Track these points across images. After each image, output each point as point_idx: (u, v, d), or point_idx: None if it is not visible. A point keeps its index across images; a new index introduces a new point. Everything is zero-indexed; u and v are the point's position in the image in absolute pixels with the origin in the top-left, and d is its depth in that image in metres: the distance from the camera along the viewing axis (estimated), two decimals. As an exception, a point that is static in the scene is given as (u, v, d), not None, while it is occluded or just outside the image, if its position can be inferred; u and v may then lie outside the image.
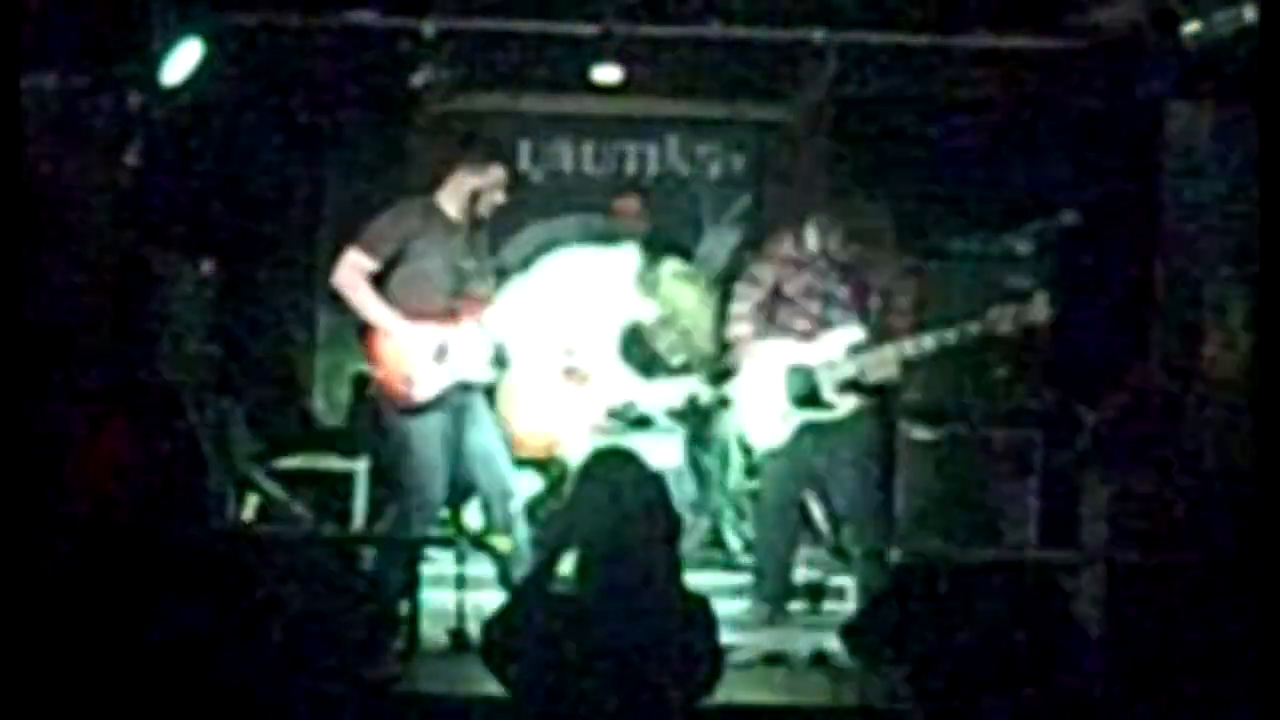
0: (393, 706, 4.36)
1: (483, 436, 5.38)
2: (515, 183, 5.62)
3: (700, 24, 6.52)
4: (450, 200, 5.37)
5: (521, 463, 5.91)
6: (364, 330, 5.35)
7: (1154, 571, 4.65)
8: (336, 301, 5.49)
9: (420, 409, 5.22)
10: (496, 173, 5.39)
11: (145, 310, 5.96)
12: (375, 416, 5.57)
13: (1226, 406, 5.69)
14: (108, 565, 4.33)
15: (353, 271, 5.27)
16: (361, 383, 6.31)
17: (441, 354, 5.24)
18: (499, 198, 5.42)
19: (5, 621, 3.65)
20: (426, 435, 5.23)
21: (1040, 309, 5.31)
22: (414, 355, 5.22)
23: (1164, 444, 5.75)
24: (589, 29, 6.45)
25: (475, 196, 5.36)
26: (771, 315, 5.64)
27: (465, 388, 5.33)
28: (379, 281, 5.28)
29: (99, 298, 5.54)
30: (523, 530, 5.39)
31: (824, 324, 5.55)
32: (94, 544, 4.45)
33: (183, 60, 5.73)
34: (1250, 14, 5.12)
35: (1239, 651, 4.00)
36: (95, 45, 5.39)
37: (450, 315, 5.30)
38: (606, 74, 6.61)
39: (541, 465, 6.23)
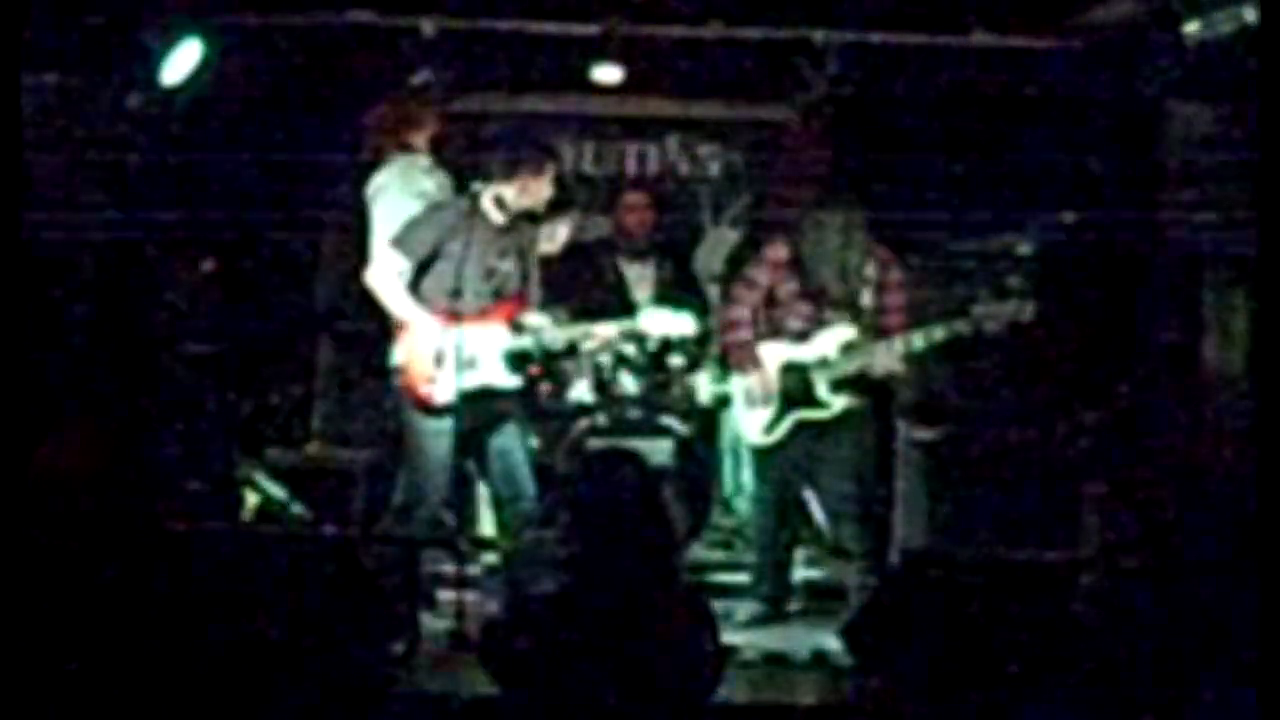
0: (393, 706, 4.36)
1: (504, 440, 5.33)
2: (556, 199, 5.55)
3: (700, 24, 6.52)
4: (491, 201, 5.32)
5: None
6: (394, 327, 5.32)
7: (1154, 571, 4.65)
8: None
9: (438, 410, 5.18)
10: (535, 189, 5.31)
11: (145, 310, 5.95)
12: (395, 412, 5.52)
13: (1226, 406, 5.69)
14: (105, 565, 4.32)
15: (386, 269, 5.27)
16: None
17: (467, 357, 5.14)
18: (538, 209, 5.40)
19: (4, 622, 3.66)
20: (440, 436, 5.18)
21: (1024, 307, 5.33)
22: (438, 356, 5.14)
23: (1164, 444, 5.75)
24: (589, 29, 6.45)
25: (514, 202, 5.32)
26: (767, 318, 5.68)
27: (492, 391, 5.27)
28: (415, 277, 5.26)
29: (98, 298, 5.54)
30: (529, 532, 5.36)
31: (818, 324, 5.58)
32: (91, 544, 4.45)
33: (183, 60, 5.73)
34: (1250, 14, 5.13)
35: (1239, 652, 4.00)
36: (95, 45, 5.39)
37: (482, 316, 5.23)
38: (606, 74, 6.61)
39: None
